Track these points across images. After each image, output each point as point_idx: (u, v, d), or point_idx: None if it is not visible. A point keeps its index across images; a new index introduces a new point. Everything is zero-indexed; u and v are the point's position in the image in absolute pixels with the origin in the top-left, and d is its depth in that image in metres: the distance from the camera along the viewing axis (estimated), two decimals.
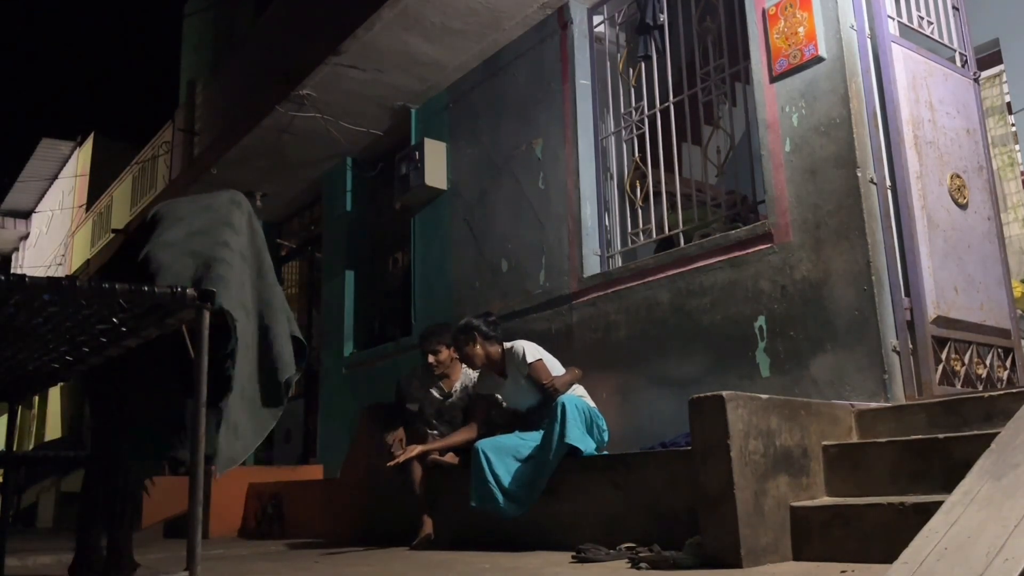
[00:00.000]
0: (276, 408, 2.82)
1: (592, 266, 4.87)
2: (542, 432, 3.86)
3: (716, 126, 4.66)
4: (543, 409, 4.02)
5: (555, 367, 4.22)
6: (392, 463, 4.33)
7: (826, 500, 2.86)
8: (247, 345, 2.71)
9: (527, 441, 3.92)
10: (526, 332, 4.87)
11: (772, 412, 2.83)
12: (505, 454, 3.88)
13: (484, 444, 3.93)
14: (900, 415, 3.12)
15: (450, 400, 4.77)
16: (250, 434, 2.71)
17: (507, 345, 4.30)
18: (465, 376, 4.84)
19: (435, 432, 4.71)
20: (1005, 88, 5.58)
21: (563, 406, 3.74)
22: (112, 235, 12.09)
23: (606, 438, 4.00)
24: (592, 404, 4.06)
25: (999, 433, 2.29)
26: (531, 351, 4.17)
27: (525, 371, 4.14)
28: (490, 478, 3.81)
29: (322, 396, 7.37)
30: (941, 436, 2.72)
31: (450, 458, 4.43)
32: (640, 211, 4.83)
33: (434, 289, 6.08)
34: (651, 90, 4.85)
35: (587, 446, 3.77)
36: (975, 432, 2.69)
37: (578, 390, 4.14)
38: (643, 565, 2.74)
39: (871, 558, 2.44)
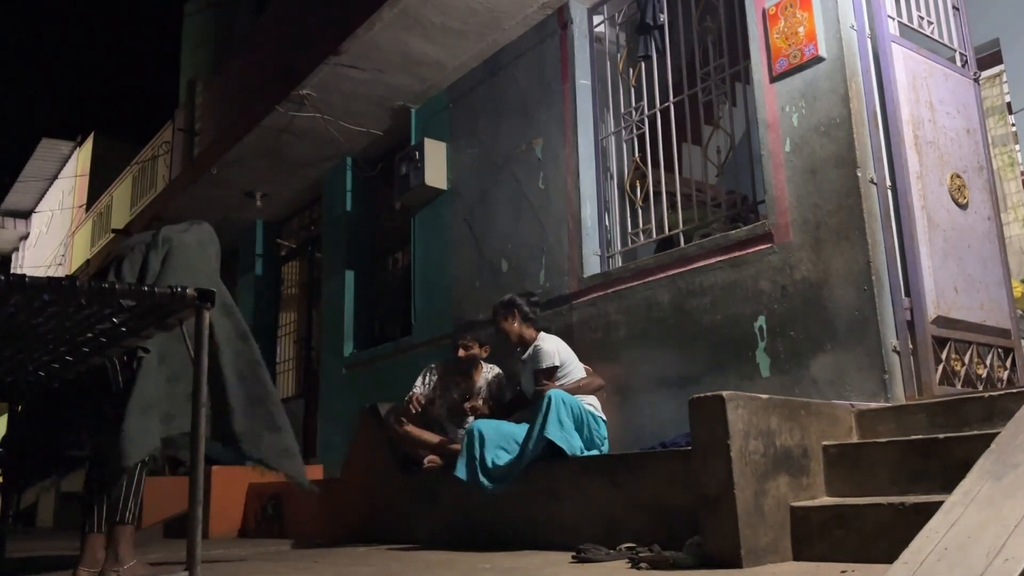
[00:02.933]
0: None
1: (592, 266, 4.87)
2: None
3: (716, 126, 4.66)
4: (535, 402, 4.09)
5: (575, 370, 4.32)
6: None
7: (826, 500, 2.86)
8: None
9: (521, 430, 3.96)
10: None
11: (772, 412, 2.83)
12: (498, 437, 3.97)
13: (481, 425, 4.04)
14: (900, 415, 3.12)
15: (467, 403, 4.76)
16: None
17: (542, 335, 4.43)
18: (484, 381, 4.82)
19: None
20: (1005, 88, 5.58)
21: (549, 400, 3.81)
22: (112, 235, 12.09)
23: (605, 449, 4.01)
24: (596, 411, 4.08)
25: (999, 433, 2.28)
26: (547, 356, 4.26)
27: (535, 366, 4.28)
28: (477, 456, 3.92)
29: (322, 396, 7.37)
30: (941, 436, 2.72)
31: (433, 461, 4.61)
32: (640, 211, 4.83)
33: (434, 289, 6.08)
34: (651, 90, 4.84)
35: (570, 444, 3.79)
36: (975, 432, 2.69)
37: (587, 398, 4.15)
38: (643, 565, 2.74)
39: (871, 558, 2.43)
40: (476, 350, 4.77)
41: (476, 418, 4.35)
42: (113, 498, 3.04)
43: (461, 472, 3.94)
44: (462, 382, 4.82)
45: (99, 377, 3.07)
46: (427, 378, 4.87)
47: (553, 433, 3.73)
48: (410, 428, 4.64)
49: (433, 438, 4.63)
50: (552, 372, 4.22)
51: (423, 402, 4.70)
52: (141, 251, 3.28)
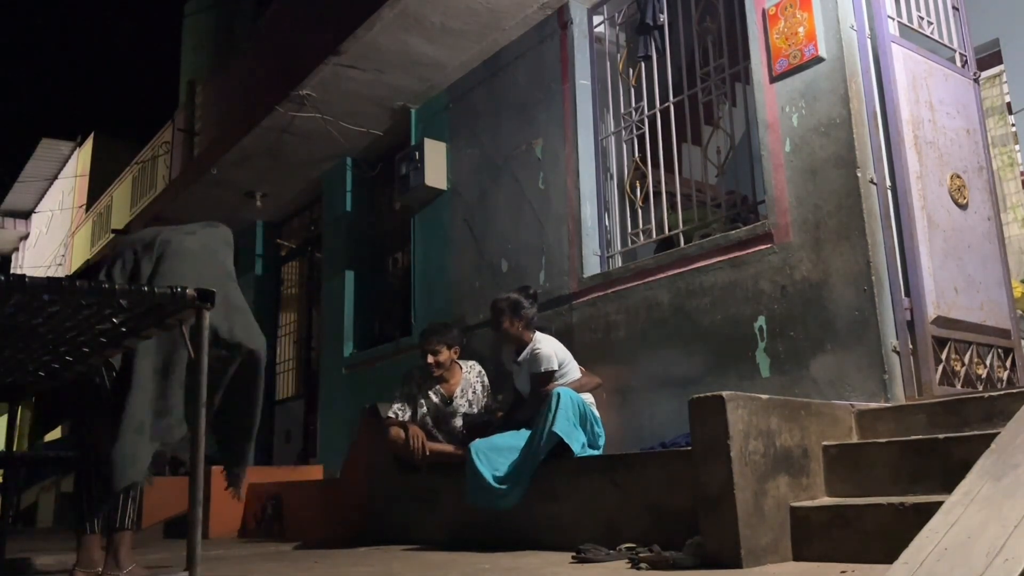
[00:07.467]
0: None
1: (592, 266, 4.87)
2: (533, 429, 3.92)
3: (716, 126, 4.66)
4: (533, 404, 4.11)
5: (572, 371, 4.31)
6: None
7: (826, 500, 2.86)
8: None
9: (517, 439, 3.96)
10: None
11: (772, 412, 2.83)
12: (496, 452, 3.95)
13: (477, 445, 4.02)
14: (900, 415, 3.12)
15: (451, 407, 4.67)
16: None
17: (538, 336, 4.39)
18: (465, 381, 4.74)
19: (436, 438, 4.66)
20: (1005, 88, 5.58)
21: (558, 396, 3.80)
22: (112, 235, 12.09)
23: (600, 443, 4.01)
24: (594, 409, 4.09)
25: (999, 433, 2.29)
26: (546, 360, 4.22)
27: (534, 370, 4.25)
28: (482, 476, 3.89)
29: (322, 396, 7.37)
30: (941, 436, 2.72)
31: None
32: (640, 211, 4.83)
33: (434, 289, 6.08)
34: (651, 90, 4.84)
35: (576, 439, 3.80)
36: (975, 432, 2.69)
37: (586, 396, 4.16)
38: (643, 565, 2.74)
39: (871, 558, 2.44)
40: (445, 354, 4.62)
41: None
42: (112, 503, 3.03)
43: (473, 498, 3.93)
44: (442, 386, 4.72)
45: (88, 385, 3.00)
46: (405, 388, 4.72)
47: (562, 428, 3.73)
48: (432, 445, 4.54)
49: (447, 447, 4.53)
50: (551, 376, 4.20)
51: (422, 438, 4.57)
52: (134, 253, 3.18)
